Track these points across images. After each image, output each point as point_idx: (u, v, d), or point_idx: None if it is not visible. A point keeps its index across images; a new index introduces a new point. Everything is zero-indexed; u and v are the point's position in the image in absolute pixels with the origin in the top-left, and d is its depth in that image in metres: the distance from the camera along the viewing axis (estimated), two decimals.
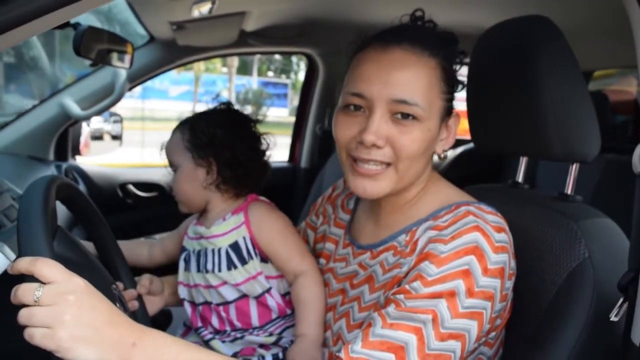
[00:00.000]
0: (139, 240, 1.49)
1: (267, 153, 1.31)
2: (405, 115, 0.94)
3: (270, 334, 1.24)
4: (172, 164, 1.30)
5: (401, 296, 0.87)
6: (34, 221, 0.76)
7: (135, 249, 1.46)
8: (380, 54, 0.96)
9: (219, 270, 1.23)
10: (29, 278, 0.71)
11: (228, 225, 1.25)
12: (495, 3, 1.73)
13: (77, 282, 0.73)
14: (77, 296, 0.71)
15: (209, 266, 1.24)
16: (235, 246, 1.23)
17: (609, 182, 2.33)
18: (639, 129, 3.02)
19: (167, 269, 1.45)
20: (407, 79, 0.94)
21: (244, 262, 1.22)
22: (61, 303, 0.70)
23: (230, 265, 1.22)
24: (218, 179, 1.25)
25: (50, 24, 0.76)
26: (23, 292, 0.70)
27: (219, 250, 1.24)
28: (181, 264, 1.33)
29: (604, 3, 1.63)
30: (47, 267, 0.71)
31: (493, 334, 0.96)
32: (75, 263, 0.86)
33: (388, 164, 0.96)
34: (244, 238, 1.23)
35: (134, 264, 1.41)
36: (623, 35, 1.83)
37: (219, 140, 1.24)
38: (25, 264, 0.72)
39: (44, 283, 0.71)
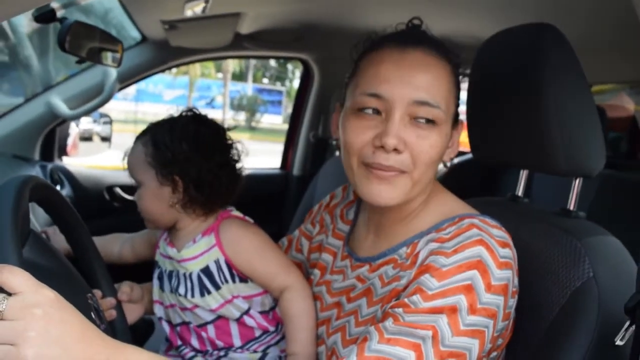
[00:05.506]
0: (114, 235, 1.44)
1: (239, 164, 1.22)
2: (427, 120, 0.90)
3: (255, 351, 1.18)
4: (136, 180, 1.20)
5: (400, 310, 0.82)
6: (2, 225, 0.70)
7: (107, 246, 1.39)
8: (399, 55, 0.91)
9: (192, 296, 1.16)
10: None
11: (198, 248, 1.16)
12: (494, 13, 1.69)
13: (46, 294, 0.66)
14: (45, 310, 0.65)
15: (182, 290, 1.17)
16: (206, 271, 1.15)
17: (605, 198, 2.29)
18: (636, 145, 3.00)
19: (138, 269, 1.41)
20: (429, 80, 0.90)
21: (217, 287, 1.15)
22: (27, 317, 0.63)
23: (204, 290, 1.15)
24: (184, 198, 1.16)
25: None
26: None
27: (190, 274, 1.16)
28: (155, 282, 1.26)
29: (605, 15, 1.60)
30: (13, 276, 0.65)
31: (494, 353, 0.92)
32: (48, 270, 0.80)
33: (403, 172, 0.91)
34: (217, 261, 1.15)
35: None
36: (623, 49, 1.81)
37: (184, 156, 1.14)
38: None
39: (10, 294, 0.65)
